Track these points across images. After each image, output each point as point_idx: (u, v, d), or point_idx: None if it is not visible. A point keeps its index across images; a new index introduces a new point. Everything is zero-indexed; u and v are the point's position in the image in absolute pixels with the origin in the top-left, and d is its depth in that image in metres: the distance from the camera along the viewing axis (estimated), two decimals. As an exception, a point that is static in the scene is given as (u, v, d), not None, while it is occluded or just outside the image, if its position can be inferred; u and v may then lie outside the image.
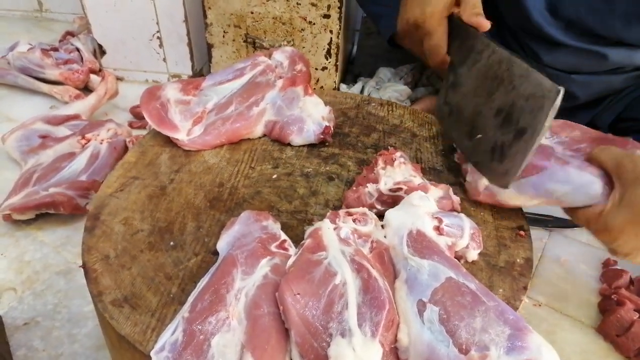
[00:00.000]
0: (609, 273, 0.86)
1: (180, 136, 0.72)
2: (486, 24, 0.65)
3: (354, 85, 1.37)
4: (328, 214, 0.57)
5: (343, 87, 1.37)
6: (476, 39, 0.66)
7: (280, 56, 0.81)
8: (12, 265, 0.90)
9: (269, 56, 0.81)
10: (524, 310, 0.77)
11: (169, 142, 0.74)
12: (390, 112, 0.84)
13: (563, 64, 0.98)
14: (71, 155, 1.07)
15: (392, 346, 0.44)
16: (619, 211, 0.55)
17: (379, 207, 0.61)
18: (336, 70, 1.32)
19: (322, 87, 1.36)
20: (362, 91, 1.33)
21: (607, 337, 0.77)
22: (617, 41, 0.89)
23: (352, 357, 0.41)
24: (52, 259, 0.91)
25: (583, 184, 0.57)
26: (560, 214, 0.97)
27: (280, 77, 0.78)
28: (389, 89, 1.29)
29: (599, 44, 0.90)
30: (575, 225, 0.97)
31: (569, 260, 0.91)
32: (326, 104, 0.80)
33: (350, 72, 1.52)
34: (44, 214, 0.98)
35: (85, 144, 1.10)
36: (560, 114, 1.06)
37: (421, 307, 0.45)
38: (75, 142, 1.10)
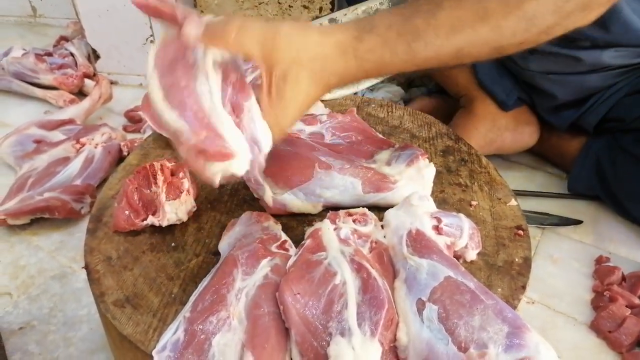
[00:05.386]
0: (601, 270, 0.87)
1: (181, 138, 0.73)
2: None
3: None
4: (328, 214, 0.57)
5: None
6: None
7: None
8: (7, 270, 0.90)
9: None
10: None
11: (170, 144, 0.74)
12: (389, 113, 0.84)
13: (538, 67, 1.00)
14: (66, 160, 1.07)
15: (392, 345, 0.45)
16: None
17: None
18: (330, 73, 1.33)
19: (315, 89, 1.36)
20: (355, 92, 1.34)
21: (600, 333, 0.78)
22: (589, 44, 0.92)
23: (351, 356, 0.41)
24: (47, 264, 0.91)
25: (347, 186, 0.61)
26: (556, 211, 0.98)
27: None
28: (382, 90, 1.29)
29: (572, 47, 0.93)
30: (570, 223, 0.98)
31: (562, 258, 0.92)
32: (326, 105, 0.80)
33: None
34: (38, 219, 0.98)
35: (80, 148, 1.10)
36: (545, 113, 1.07)
37: (420, 306, 0.45)
38: (70, 146, 1.10)
